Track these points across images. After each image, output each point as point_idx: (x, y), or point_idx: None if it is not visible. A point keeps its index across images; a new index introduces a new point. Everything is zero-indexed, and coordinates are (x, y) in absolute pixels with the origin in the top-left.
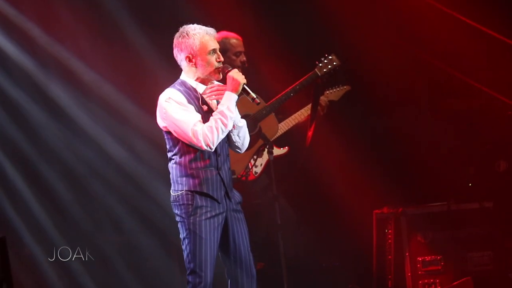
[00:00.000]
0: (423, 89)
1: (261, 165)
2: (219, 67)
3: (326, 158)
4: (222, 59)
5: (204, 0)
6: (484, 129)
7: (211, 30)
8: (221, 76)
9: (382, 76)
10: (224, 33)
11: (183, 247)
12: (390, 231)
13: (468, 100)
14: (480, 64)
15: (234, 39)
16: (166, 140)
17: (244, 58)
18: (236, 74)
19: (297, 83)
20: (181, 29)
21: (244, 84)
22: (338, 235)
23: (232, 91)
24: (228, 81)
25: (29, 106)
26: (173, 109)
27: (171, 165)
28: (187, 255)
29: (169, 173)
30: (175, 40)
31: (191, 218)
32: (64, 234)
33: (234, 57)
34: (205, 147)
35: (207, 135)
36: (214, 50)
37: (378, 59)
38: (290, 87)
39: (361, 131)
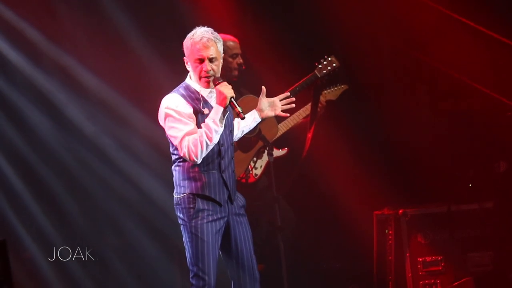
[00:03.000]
0: (423, 90)
1: (261, 167)
2: (204, 77)
3: (326, 160)
4: (207, 69)
5: (204, 5)
6: (484, 129)
7: (205, 39)
8: (209, 85)
9: (382, 77)
10: (221, 36)
11: (186, 250)
12: (390, 232)
13: (468, 100)
14: (480, 64)
15: (230, 41)
16: (170, 142)
17: (241, 60)
18: (224, 88)
19: (296, 84)
20: (192, 30)
21: (232, 97)
22: (338, 236)
23: (219, 104)
24: (216, 94)
25: (30, 111)
26: (168, 118)
27: (174, 168)
28: (190, 258)
29: (172, 176)
30: None
31: (193, 221)
32: (65, 237)
33: (230, 59)
34: (189, 159)
35: (191, 148)
36: (200, 60)
37: (378, 60)
38: (290, 89)
39: (360, 132)
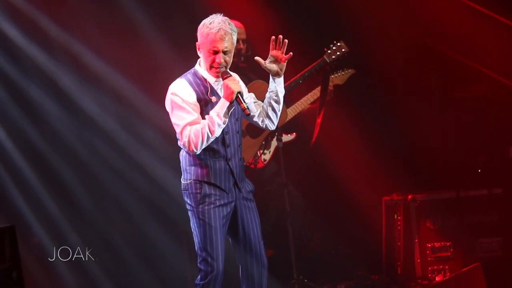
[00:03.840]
0: (433, 76)
1: (269, 152)
2: (216, 67)
3: (335, 145)
4: (220, 61)
5: None
6: (493, 115)
7: (223, 31)
8: (218, 76)
9: (392, 63)
10: None
11: (194, 235)
12: (399, 217)
13: (478, 86)
14: (490, 50)
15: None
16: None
17: (241, 46)
18: (231, 83)
19: (306, 70)
20: (210, 16)
21: (239, 93)
22: (347, 222)
23: (226, 98)
24: (223, 88)
25: (39, 97)
26: (173, 104)
27: (181, 154)
28: (198, 244)
29: (179, 162)
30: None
31: (200, 206)
32: (73, 223)
33: None
34: (188, 149)
35: (192, 138)
36: (215, 51)
37: (389, 47)
38: (299, 74)
39: (370, 117)
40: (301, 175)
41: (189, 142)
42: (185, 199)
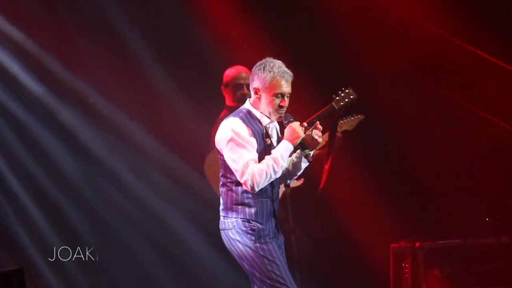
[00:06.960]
0: (439, 123)
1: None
2: (278, 111)
3: (343, 192)
4: (285, 105)
5: (221, 28)
6: (500, 162)
7: (288, 75)
8: (281, 119)
9: (397, 108)
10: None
11: (256, 272)
12: (407, 265)
13: (483, 133)
14: (494, 96)
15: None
16: (222, 164)
17: (245, 91)
18: (298, 127)
19: (313, 116)
20: (264, 60)
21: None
22: (355, 269)
23: (290, 141)
24: (289, 131)
25: (45, 137)
26: (231, 142)
27: (225, 191)
28: (270, 279)
29: (221, 199)
30: (254, 68)
31: (257, 243)
32: (80, 264)
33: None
34: (249, 187)
35: (255, 176)
36: (281, 95)
37: (393, 91)
38: (307, 120)
39: (378, 164)
40: (309, 221)
41: (252, 180)
42: (232, 237)
